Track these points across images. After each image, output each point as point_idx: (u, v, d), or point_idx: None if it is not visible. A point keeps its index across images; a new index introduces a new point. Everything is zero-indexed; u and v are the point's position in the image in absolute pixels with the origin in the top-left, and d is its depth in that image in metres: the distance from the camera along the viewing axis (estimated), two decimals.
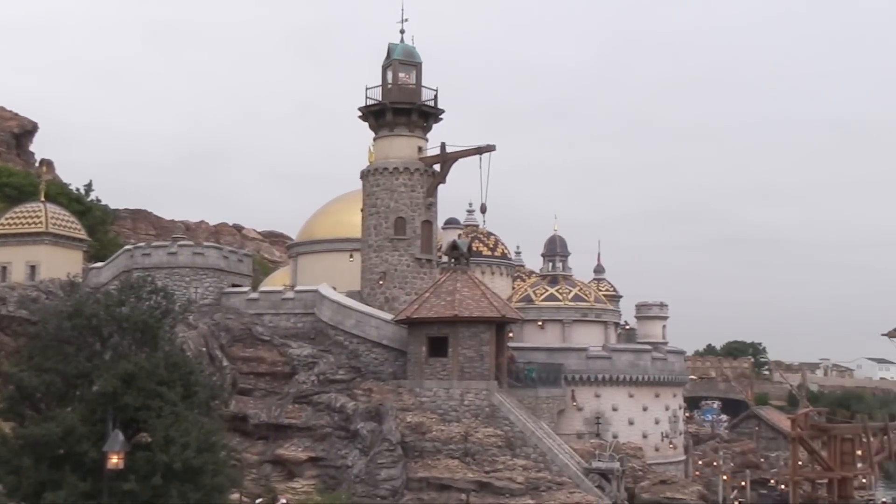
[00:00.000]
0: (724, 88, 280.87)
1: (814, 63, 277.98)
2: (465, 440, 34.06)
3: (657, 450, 45.13)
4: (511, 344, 41.65)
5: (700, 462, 53.31)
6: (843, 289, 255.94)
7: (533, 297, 48.80)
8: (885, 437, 42.88)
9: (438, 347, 36.92)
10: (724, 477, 44.72)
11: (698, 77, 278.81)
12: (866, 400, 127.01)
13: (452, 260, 39.44)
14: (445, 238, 46.90)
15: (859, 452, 39.23)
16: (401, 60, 43.94)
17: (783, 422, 56.61)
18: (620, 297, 60.57)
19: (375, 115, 44.01)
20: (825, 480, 38.48)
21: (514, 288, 53.74)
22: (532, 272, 57.69)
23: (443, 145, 43.45)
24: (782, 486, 44.74)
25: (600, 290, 55.15)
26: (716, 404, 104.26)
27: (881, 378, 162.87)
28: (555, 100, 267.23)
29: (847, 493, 36.96)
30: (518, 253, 61.84)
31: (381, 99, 43.82)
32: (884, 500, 50.73)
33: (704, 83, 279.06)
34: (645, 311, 54.06)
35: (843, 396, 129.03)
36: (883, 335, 44.50)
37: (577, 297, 48.50)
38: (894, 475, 79.59)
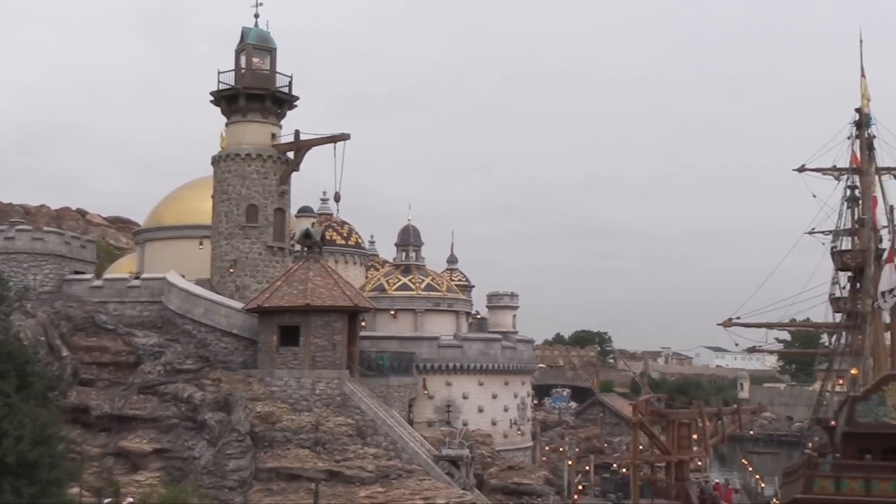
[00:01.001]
0: (575, 83, 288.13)
1: (662, 62, 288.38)
2: (316, 429, 33.91)
3: (506, 437, 46.08)
4: (363, 333, 41.70)
5: (547, 448, 54.72)
6: (685, 280, 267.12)
7: (386, 286, 48.94)
8: (719, 422, 45.15)
9: (290, 336, 36.59)
10: (570, 462, 46.05)
11: (550, 71, 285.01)
12: (703, 386, 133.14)
13: (305, 248, 39.13)
14: (298, 226, 46.46)
15: (695, 436, 41.16)
16: (255, 45, 43.20)
17: (626, 408, 58.72)
18: (473, 287, 61.44)
19: (228, 100, 43.14)
20: (664, 463, 40.24)
21: (367, 277, 53.76)
22: (386, 262, 57.83)
23: (297, 133, 42.99)
24: (624, 470, 46.40)
25: (453, 280, 55.79)
26: (566, 392, 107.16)
27: (717, 366, 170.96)
28: (410, 90, 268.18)
29: (683, 474, 38.79)
30: (372, 242, 61.88)
31: (234, 84, 42.98)
32: (717, 480, 53.33)
33: (556, 77, 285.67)
34: (496, 301, 55.00)
35: (683, 383, 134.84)
36: (719, 325, 46.85)
37: (429, 287, 48.92)
38: (728, 457, 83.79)
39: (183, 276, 40.93)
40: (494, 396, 46.14)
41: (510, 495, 35.32)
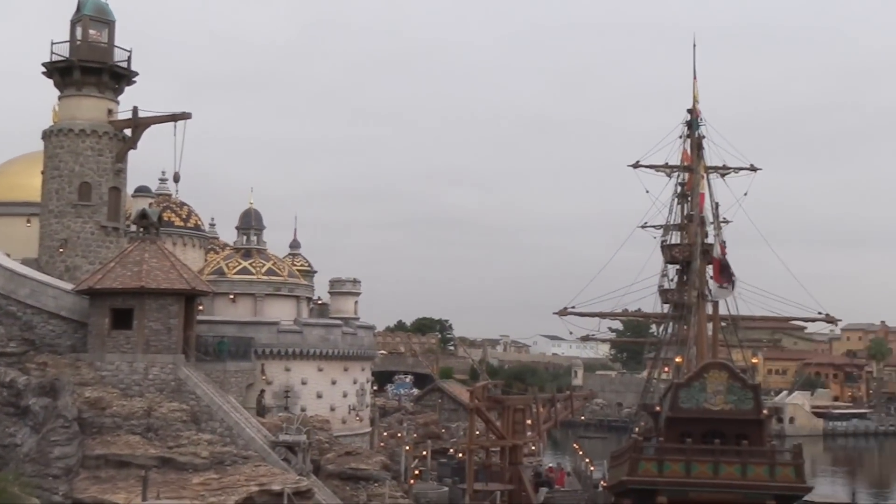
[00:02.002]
0: (422, 72, 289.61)
1: (507, 55, 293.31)
2: (149, 415, 32.95)
3: (344, 422, 46.11)
4: (201, 317, 40.79)
5: (385, 433, 55.05)
6: (524, 270, 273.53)
7: (225, 269, 47.95)
8: (553, 408, 46.57)
9: (123, 320, 35.36)
10: (407, 447, 46.46)
11: (398, 58, 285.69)
12: (540, 373, 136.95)
13: (141, 229, 37.86)
14: (135, 206, 44.96)
15: (529, 422, 42.30)
16: (92, 16, 41.37)
17: (464, 394, 59.66)
18: (315, 272, 61.05)
19: (61, 73, 41.18)
20: (499, 448, 41.17)
21: (206, 260, 52.55)
22: (226, 245, 56.65)
23: (135, 109, 41.50)
24: (460, 455, 47.20)
25: (295, 266, 55.26)
26: (408, 378, 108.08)
27: (554, 353, 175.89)
28: (255, 73, 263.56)
29: (517, 458, 39.78)
30: (212, 225, 60.53)
31: (68, 56, 41.09)
32: (550, 464, 55.02)
33: (404, 65, 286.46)
34: (338, 287, 54.83)
35: (520, 370, 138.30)
36: (555, 314, 48.22)
37: (270, 272, 48.25)
38: (561, 442, 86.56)
39: (8, 255, 38.91)
40: (334, 382, 46.07)
41: (347, 480, 35.34)
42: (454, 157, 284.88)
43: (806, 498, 36.70)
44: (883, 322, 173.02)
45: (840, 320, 49.22)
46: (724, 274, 35.61)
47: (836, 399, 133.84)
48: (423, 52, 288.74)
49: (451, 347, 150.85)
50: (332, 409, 45.28)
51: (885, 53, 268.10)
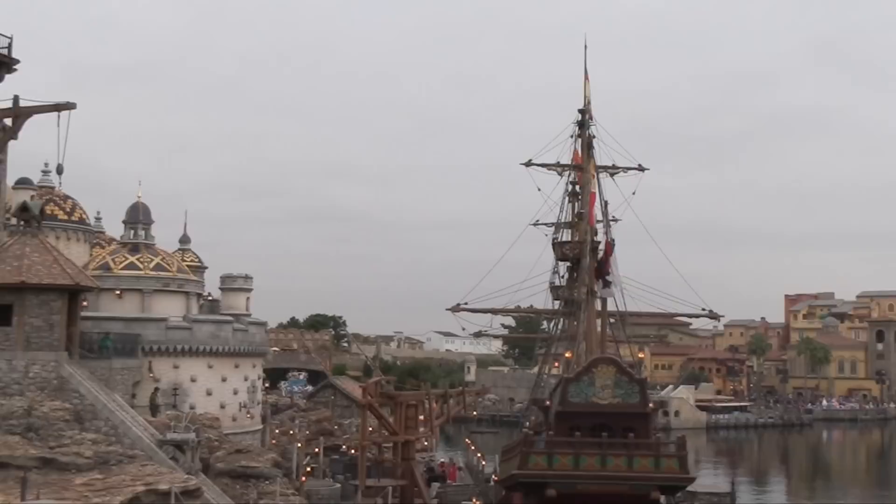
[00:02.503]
0: (314, 67, 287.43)
1: (401, 53, 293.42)
2: (29, 415, 31.80)
3: (235, 420, 45.40)
4: (85, 313, 39.59)
5: (277, 431, 54.48)
6: (417, 266, 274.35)
7: (112, 265, 46.64)
8: (445, 404, 46.79)
9: (2, 316, 34.06)
10: (299, 444, 46.02)
11: (288, 53, 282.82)
12: (433, 370, 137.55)
13: (22, 223, 36.52)
14: (15, 199, 43.32)
15: (422, 417, 42.41)
16: None
17: (356, 390, 59.42)
18: (206, 268, 59.92)
19: None
20: (391, 444, 41.17)
21: (92, 255, 50.99)
22: (113, 240, 55.09)
23: (16, 98, 39.85)
24: (353, 451, 47.04)
25: (185, 261, 54.11)
26: (302, 375, 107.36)
27: (447, 350, 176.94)
28: (143, 64, 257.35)
29: (409, 454, 39.84)
30: (98, 219, 58.70)
31: None
32: (442, 459, 55.31)
33: (294, 59, 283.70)
34: (229, 283, 53.99)
35: (413, 366, 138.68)
36: (448, 310, 48.55)
37: (158, 267, 47.13)
38: (453, 437, 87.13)
39: None
40: (224, 380, 45.29)
41: (237, 479, 34.80)
42: (348, 152, 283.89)
43: (689, 488, 37.92)
44: (763, 318, 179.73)
45: (723, 316, 50.94)
46: (601, 272, 36.41)
47: (718, 393, 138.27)
48: (316, 46, 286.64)
49: (345, 344, 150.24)
50: (223, 407, 44.53)
51: (761, 60, 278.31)
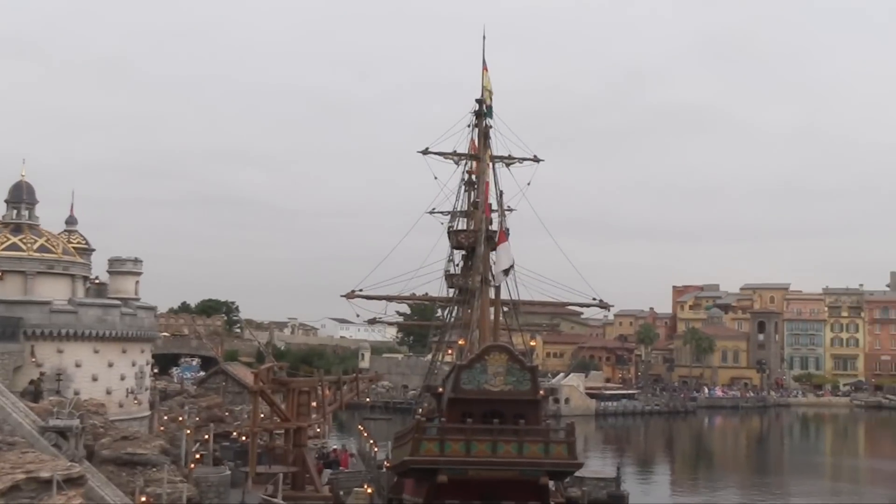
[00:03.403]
0: (209, 47, 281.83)
1: (297, 35, 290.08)
2: None
3: (121, 406, 44.42)
4: None
5: (166, 417, 53.47)
6: (313, 252, 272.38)
7: None
8: (338, 390, 46.70)
9: None
10: (188, 431, 45.25)
11: (180, 32, 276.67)
12: (327, 356, 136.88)
13: None
14: None
15: (314, 404, 42.21)
16: None
17: (249, 377, 58.73)
18: (93, 250, 58.17)
19: None
20: (283, 430, 40.85)
21: None
22: None
23: None
24: (244, 438, 46.51)
25: (71, 243, 52.46)
26: (195, 361, 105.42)
27: (342, 336, 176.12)
28: (28, 36, 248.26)
29: (301, 440, 39.61)
30: None
31: None
32: (335, 446, 55.15)
33: (188, 38, 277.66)
34: (118, 267, 52.53)
35: (307, 353, 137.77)
36: (342, 296, 48.33)
37: (42, 248, 45.63)
38: (346, 424, 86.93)
39: None
40: (111, 365, 44.23)
41: (123, 466, 34.02)
42: (242, 136, 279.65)
43: (577, 473, 38.71)
44: (651, 309, 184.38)
45: (612, 306, 52.08)
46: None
47: (608, 380, 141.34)
48: (210, 27, 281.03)
49: (238, 330, 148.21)
50: (109, 393, 43.50)
51: (649, 55, 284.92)
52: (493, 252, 37.71)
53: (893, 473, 72.71)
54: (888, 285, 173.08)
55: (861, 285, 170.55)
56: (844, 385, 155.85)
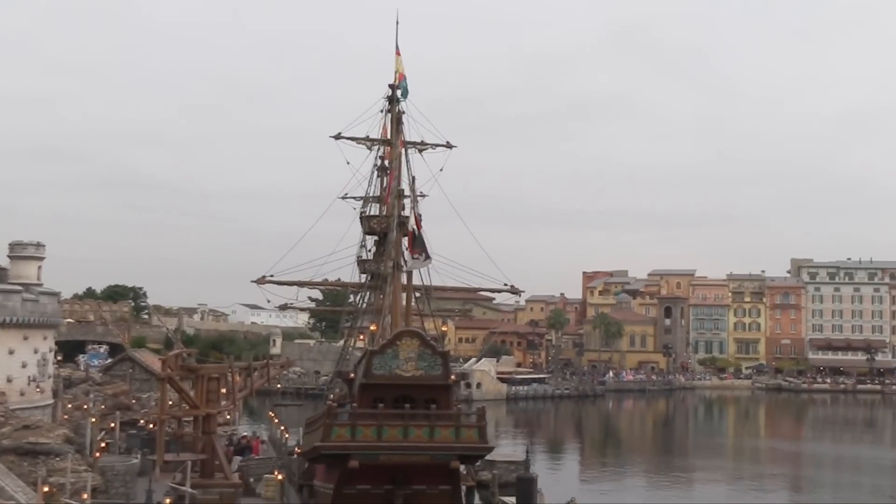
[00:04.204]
0: (113, 27, 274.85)
1: (206, 17, 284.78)
2: None
3: (23, 394, 43.27)
4: None
5: (70, 406, 52.23)
6: (223, 238, 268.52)
7: None
8: (249, 377, 46.18)
9: None
10: (93, 419, 44.28)
11: (87, 9, 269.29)
12: (237, 342, 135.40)
13: None
14: None
15: (224, 390, 41.68)
16: None
17: (157, 364, 57.70)
18: None
19: None
20: (192, 417, 40.25)
21: None
22: None
23: None
24: (151, 426, 45.72)
25: None
26: (103, 349, 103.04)
27: (253, 322, 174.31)
28: None
29: (211, 427, 39.05)
30: None
31: None
32: (245, 433, 54.62)
33: (86, 17, 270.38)
34: (19, 251, 51.21)
35: (217, 339, 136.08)
36: (253, 282, 47.77)
37: None
38: (257, 410, 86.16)
39: None
40: (11, 352, 43.01)
41: (24, 455, 33.16)
42: (150, 118, 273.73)
43: (487, 457, 39.12)
44: (562, 294, 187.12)
45: (523, 291, 52.60)
46: (418, 245, 36.86)
47: (519, 365, 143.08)
48: (119, 5, 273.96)
49: (146, 316, 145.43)
50: (10, 381, 42.33)
51: (565, 43, 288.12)
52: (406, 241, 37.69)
53: (791, 453, 75.38)
54: (788, 271, 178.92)
55: (763, 271, 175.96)
56: (746, 368, 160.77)
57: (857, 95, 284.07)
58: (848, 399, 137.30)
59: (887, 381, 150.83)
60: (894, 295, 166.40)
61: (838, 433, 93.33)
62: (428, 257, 37.34)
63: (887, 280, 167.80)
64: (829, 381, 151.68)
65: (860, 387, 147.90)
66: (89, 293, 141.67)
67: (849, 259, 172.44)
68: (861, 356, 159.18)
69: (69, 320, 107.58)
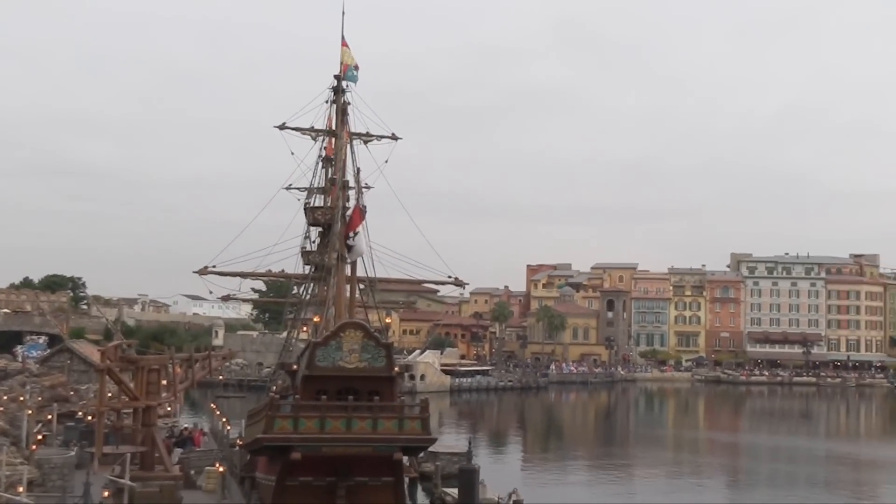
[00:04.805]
0: (47, 9, 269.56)
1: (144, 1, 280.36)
2: None
3: None
4: None
5: (6, 397, 51.18)
6: (164, 227, 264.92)
7: None
8: (190, 368, 45.71)
9: None
10: (30, 411, 43.50)
11: None
12: (179, 334, 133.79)
13: None
14: None
15: (165, 382, 41.21)
16: None
17: (96, 355, 56.83)
18: None
19: None
20: (132, 409, 39.74)
21: None
22: None
23: None
24: (90, 418, 45.04)
25: None
26: (41, 339, 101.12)
27: (195, 313, 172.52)
28: None
29: (151, 420, 38.61)
30: None
31: None
32: (186, 425, 54.07)
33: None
34: None
35: (158, 330, 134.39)
36: (195, 272, 47.20)
37: None
38: (199, 402, 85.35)
39: None
40: None
41: None
42: (89, 104, 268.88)
43: (430, 448, 39.24)
44: (506, 287, 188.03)
45: (468, 284, 52.63)
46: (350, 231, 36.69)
47: (463, 357, 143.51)
48: None
49: (85, 306, 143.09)
50: None
51: (511, 35, 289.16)
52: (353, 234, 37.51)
53: (729, 444, 76.75)
54: (728, 266, 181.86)
55: (703, 266, 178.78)
56: (686, 361, 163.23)
57: (794, 94, 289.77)
58: (784, 391, 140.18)
59: (822, 374, 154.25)
60: (830, 290, 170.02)
61: (775, 424, 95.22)
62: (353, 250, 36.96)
63: (823, 275, 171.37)
64: (766, 373, 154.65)
65: (796, 379, 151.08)
66: (26, 283, 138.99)
67: (786, 254, 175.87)
68: (797, 349, 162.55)
69: (5, 310, 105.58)
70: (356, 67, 43.94)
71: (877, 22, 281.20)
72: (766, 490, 52.91)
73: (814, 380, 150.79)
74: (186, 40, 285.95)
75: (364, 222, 36.58)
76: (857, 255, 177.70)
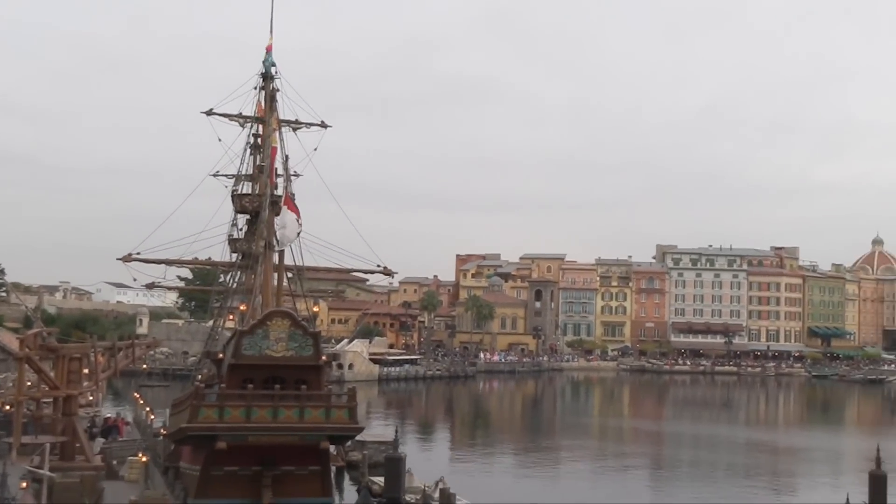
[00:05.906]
0: None
1: None
2: None
3: None
4: None
5: None
6: (86, 213, 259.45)
7: None
8: (113, 357, 44.98)
9: None
10: None
11: None
12: (102, 322, 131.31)
13: None
14: None
15: (87, 371, 40.49)
16: None
17: (14, 343, 55.55)
18: None
19: None
20: (52, 399, 38.98)
21: None
22: None
23: None
24: (8, 407, 44.03)
25: None
26: None
27: (119, 301, 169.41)
28: None
29: (71, 409, 37.94)
30: None
31: None
32: (109, 414, 53.19)
33: None
34: None
35: (81, 318, 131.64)
36: (118, 259, 46.34)
37: None
38: (122, 391, 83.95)
39: None
40: None
41: None
42: (5, 86, 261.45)
43: (358, 437, 39.22)
44: (435, 276, 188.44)
45: (397, 273, 52.66)
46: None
47: (391, 346, 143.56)
48: None
49: (3, 294, 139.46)
50: None
51: (438, 25, 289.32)
52: (278, 217, 37.26)
53: (653, 433, 78.14)
54: (654, 257, 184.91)
55: (630, 257, 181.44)
56: (612, 350, 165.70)
57: (720, 88, 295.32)
58: (706, 380, 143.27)
59: (743, 364, 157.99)
60: (752, 281, 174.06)
61: (697, 413, 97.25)
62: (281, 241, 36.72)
63: (745, 267, 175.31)
64: (689, 362, 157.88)
65: (718, 368, 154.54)
66: None
67: (710, 246, 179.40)
68: (719, 339, 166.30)
69: None
70: (271, 49, 43.46)
71: (798, 21, 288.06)
72: (688, 477, 54.04)
73: (735, 369, 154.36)
74: (109, 21, 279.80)
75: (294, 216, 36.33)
76: (777, 248, 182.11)
